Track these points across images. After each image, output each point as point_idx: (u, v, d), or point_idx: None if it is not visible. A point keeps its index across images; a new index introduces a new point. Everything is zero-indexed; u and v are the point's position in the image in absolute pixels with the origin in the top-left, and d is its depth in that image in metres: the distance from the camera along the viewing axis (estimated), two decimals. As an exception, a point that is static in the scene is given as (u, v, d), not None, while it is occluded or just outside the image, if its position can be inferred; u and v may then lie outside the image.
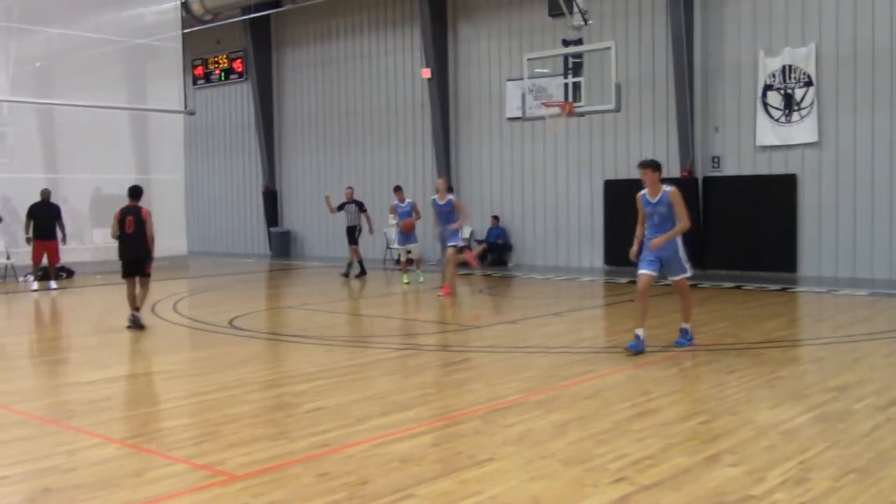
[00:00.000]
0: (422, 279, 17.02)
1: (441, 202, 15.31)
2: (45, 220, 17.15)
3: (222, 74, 27.29)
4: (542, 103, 16.33)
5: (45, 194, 17.48)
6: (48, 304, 15.65)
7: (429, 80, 21.69)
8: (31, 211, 17.20)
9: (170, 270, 20.65)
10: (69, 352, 10.75)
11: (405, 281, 16.83)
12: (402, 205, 16.89)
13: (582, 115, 16.43)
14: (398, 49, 22.94)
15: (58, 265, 17.82)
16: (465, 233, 18.00)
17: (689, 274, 9.18)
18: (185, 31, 23.38)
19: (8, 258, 18.96)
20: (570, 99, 15.62)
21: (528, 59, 16.71)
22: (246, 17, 24.58)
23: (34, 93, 21.55)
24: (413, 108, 22.57)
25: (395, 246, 17.13)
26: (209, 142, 27.55)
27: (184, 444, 6.06)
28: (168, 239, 22.80)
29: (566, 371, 8.31)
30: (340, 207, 18.65)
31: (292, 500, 4.81)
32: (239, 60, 26.67)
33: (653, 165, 9.13)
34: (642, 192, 9.10)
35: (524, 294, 16.05)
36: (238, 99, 26.93)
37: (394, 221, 17.57)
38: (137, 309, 11.73)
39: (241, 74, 26.69)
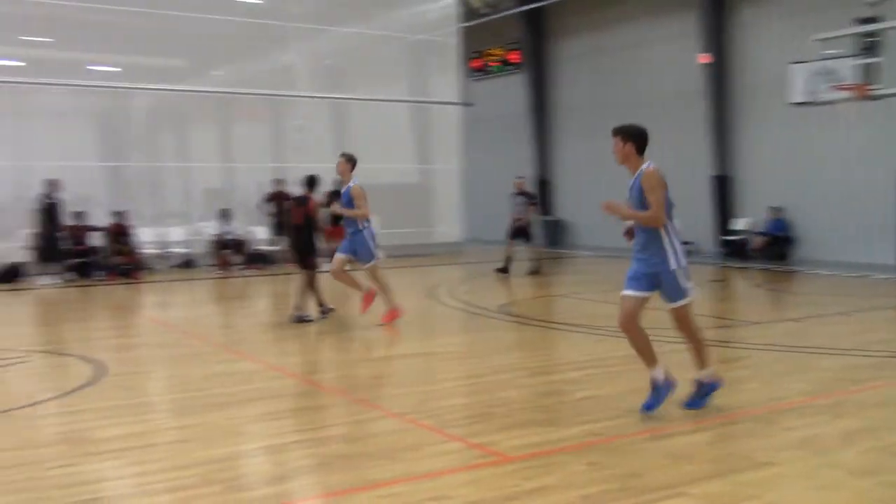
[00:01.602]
0: None
1: (342, 189, 11.06)
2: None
3: (499, 66, 27.95)
4: (833, 87, 15.21)
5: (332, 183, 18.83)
6: (337, 285, 16.79)
7: (706, 65, 20.90)
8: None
9: (446, 257, 21.53)
10: (353, 329, 11.49)
11: None
12: None
13: (878, 98, 15.11)
14: (673, 35, 22.27)
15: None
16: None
17: (687, 300, 6.24)
18: (464, 24, 24.20)
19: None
20: (865, 81, 14.41)
21: (817, 40, 15.60)
22: (522, 8, 24.98)
23: (328, 89, 23.34)
24: (687, 96, 21.84)
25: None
26: (485, 132, 28.31)
27: (459, 423, 6.30)
28: (445, 226, 23.86)
29: (854, 375, 7.72)
30: (528, 200, 17.51)
31: (563, 485, 4.85)
32: (515, 52, 27.17)
33: (624, 132, 6.44)
34: None
35: (808, 290, 15.09)
36: (513, 89, 27.43)
37: None
38: (300, 307, 11.08)
39: (516, 65, 27.17)
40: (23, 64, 20.90)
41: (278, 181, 19.75)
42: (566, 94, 26.02)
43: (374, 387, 7.51)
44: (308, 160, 21.87)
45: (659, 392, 6.30)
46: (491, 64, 28.19)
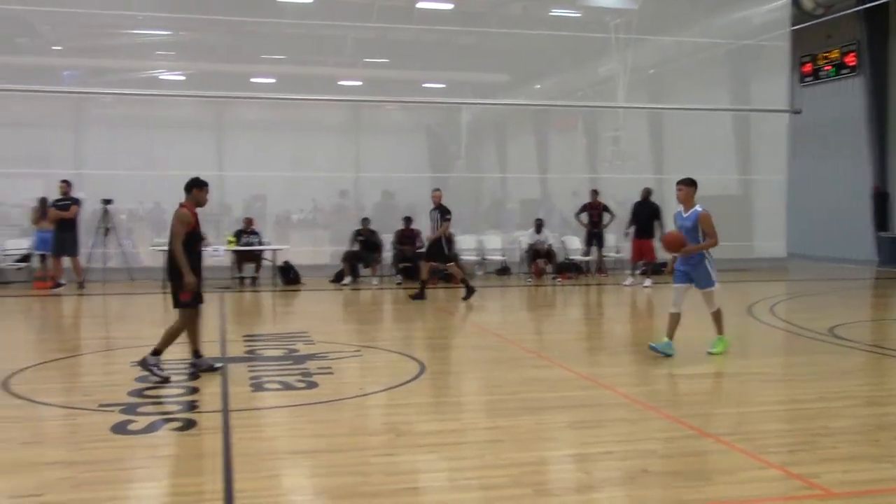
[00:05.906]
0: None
1: None
2: (642, 218, 18.06)
3: (832, 70, 25.97)
4: None
5: (645, 193, 18.32)
6: (643, 298, 16.54)
7: None
8: (633, 209, 18.31)
9: (768, 272, 20.43)
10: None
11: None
12: (685, 214, 9.41)
13: None
14: None
15: (652, 263, 18.54)
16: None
17: None
18: (794, 27, 22.80)
19: (617, 252, 20.50)
20: None
21: None
22: (861, 7, 23.03)
23: (646, 98, 23.08)
24: None
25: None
26: (813, 141, 26.47)
27: (778, 450, 5.92)
28: (767, 240, 22.64)
29: None
30: None
31: (898, 529, 4.40)
32: (851, 54, 25.10)
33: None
34: None
35: None
36: (848, 95, 25.36)
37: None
38: None
39: (852, 69, 25.09)
40: (360, 83, 22.89)
41: (594, 191, 19.81)
42: (911, 98, 23.57)
43: (687, 404, 7.28)
44: (622, 171, 21.85)
45: None
46: (825, 68, 26.25)
